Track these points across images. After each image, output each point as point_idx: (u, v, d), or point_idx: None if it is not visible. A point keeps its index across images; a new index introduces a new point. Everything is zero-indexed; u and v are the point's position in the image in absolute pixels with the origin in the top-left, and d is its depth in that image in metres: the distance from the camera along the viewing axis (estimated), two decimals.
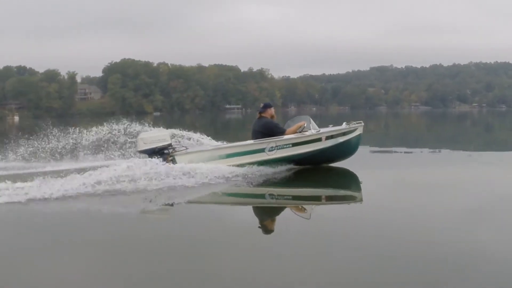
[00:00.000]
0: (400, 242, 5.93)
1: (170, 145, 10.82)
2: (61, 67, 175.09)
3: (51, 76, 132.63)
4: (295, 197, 9.47)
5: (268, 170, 10.66)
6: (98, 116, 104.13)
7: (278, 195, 9.48)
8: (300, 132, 11.02)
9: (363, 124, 11.65)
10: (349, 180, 11.09)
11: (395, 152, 16.71)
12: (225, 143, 11.90)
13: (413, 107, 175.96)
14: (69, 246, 5.91)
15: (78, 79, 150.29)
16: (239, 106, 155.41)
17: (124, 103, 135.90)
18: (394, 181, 10.58)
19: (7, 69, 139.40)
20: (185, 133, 12.07)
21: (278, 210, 8.34)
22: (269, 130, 11.00)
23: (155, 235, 6.42)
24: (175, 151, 10.83)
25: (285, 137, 10.91)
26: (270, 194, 9.50)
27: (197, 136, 12.18)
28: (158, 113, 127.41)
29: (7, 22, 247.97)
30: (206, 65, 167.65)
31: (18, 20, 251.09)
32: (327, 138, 11.16)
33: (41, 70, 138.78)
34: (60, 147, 12.35)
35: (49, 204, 7.95)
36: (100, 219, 7.35)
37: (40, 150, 12.31)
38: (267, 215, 7.99)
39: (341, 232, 6.37)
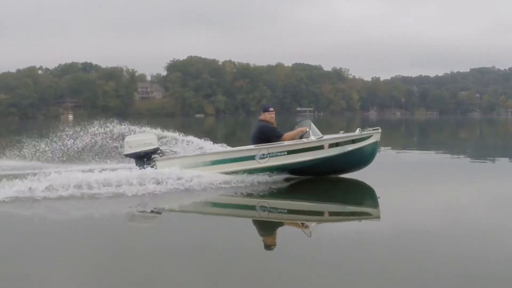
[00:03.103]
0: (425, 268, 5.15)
1: (157, 149, 10.61)
2: (130, 64, 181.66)
3: (109, 73, 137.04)
4: (291, 211, 8.60)
5: (261, 179, 10.01)
6: (156, 117, 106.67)
7: (271, 207, 8.70)
8: (300, 138, 10.40)
9: (380, 131, 10.79)
10: (362, 193, 10.16)
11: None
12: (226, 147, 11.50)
13: (510, 113, 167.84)
14: (48, 253, 5.82)
15: (148, 77, 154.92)
16: (311, 108, 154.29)
17: (184, 104, 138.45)
18: (434, 199, 9.38)
19: (72, 65, 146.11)
20: (178, 136, 11.59)
21: (270, 225, 7.61)
22: (264, 134, 10.51)
23: (138, 244, 6.26)
24: (164, 156, 10.57)
25: (279, 143, 10.33)
26: (261, 206, 8.73)
27: (187, 138, 11.56)
28: (201, 115, 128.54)
29: (77, 19, 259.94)
30: (289, 64, 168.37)
31: (90, 16, 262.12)
32: (331, 145, 10.44)
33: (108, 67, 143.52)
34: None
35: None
36: (77, 225, 7.15)
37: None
38: (257, 230, 7.31)
39: (347, 254, 5.71)
